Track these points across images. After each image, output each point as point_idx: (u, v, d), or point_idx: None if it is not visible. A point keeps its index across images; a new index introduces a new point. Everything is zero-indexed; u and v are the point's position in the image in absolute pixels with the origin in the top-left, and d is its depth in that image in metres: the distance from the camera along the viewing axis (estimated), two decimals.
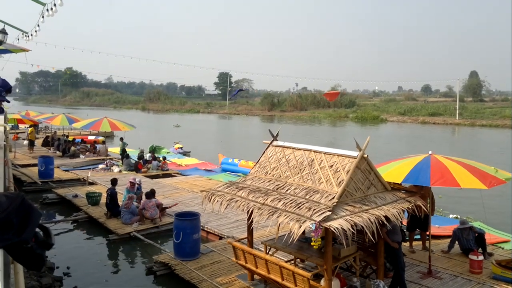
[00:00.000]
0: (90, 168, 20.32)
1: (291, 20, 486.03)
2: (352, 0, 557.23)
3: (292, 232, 6.06)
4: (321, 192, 6.65)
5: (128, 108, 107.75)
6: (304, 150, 7.62)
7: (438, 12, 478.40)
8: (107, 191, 12.91)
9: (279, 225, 7.05)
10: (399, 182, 8.00)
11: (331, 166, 6.97)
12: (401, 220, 7.15)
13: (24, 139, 32.38)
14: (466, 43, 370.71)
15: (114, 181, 13.26)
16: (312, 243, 6.54)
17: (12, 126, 33.45)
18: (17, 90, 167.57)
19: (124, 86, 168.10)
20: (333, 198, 6.36)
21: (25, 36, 15.09)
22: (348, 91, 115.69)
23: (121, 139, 23.94)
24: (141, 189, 13.94)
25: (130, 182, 13.34)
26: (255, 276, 8.16)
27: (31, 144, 26.22)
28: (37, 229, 2.29)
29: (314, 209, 6.15)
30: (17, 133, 33.37)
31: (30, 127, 27.75)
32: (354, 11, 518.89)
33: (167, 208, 12.88)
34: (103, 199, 13.79)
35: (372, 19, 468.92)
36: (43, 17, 12.45)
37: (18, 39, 16.04)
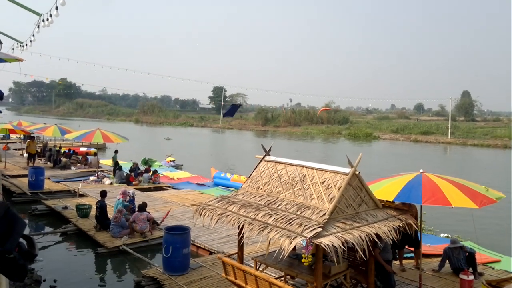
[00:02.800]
0: (81, 180, 20.15)
1: (286, 36, 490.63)
2: (347, 19, 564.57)
3: (282, 248, 6.01)
4: (313, 208, 6.63)
5: (122, 120, 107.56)
6: (296, 165, 7.62)
7: (432, 32, 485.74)
8: (96, 204, 12.79)
9: (270, 241, 7.00)
10: (391, 200, 8.01)
11: (323, 183, 6.97)
12: (392, 238, 7.13)
13: (15, 149, 32.15)
14: (459, 63, 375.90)
15: (103, 193, 13.15)
16: (302, 260, 6.49)
17: (3, 136, 33.22)
18: (10, 100, 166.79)
19: (118, 98, 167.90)
20: (324, 214, 6.34)
21: (20, 46, 15.08)
22: (342, 108, 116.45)
23: (116, 151, 23.82)
24: (134, 201, 13.84)
25: (121, 194, 13.25)
26: None
27: (31, 157, 24.35)
28: (21, 239, 2.25)
29: (305, 225, 6.11)
30: (7, 143, 33.09)
31: (29, 139, 25.96)
32: (349, 29, 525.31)
33: (158, 224, 12.76)
34: (93, 212, 13.66)
35: (367, 37, 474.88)
36: (38, 27, 12.47)
37: (13, 49, 16.04)
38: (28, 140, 25.06)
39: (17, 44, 15.14)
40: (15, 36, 13.62)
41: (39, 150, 29.49)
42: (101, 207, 12.48)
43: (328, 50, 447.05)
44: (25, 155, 26.12)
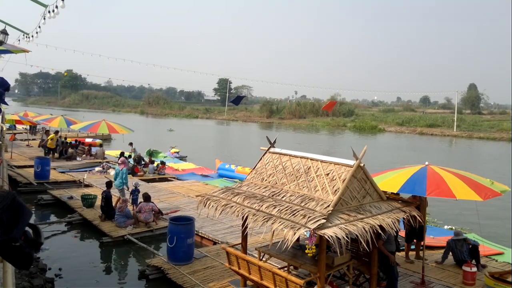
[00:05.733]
0: (86, 171, 20.28)
1: (293, 29, 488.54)
2: (353, 11, 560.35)
3: (286, 239, 6.04)
4: (317, 200, 6.65)
5: (127, 111, 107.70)
6: (300, 157, 7.63)
7: (439, 24, 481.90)
8: (102, 194, 12.89)
9: (274, 231, 7.04)
10: (395, 192, 8.02)
11: (327, 174, 6.98)
12: (396, 230, 7.16)
13: (21, 140, 32.28)
14: (465, 56, 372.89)
15: (109, 184, 13.24)
16: (306, 251, 6.52)
17: (9, 126, 33.37)
18: (16, 91, 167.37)
19: (124, 89, 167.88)
20: (328, 206, 6.36)
21: (26, 37, 15.07)
22: (347, 100, 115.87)
23: (131, 143, 23.95)
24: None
25: (121, 163, 13.48)
26: (248, 282, 8.12)
27: (50, 152, 23.73)
28: (27, 228, 2.28)
29: (309, 217, 6.14)
30: (15, 133, 33.28)
31: (53, 133, 24.92)
32: (355, 22, 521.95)
33: (162, 213, 12.84)
34: (98, 202, 13.77)
35: (373, 30, 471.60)
36: (44, 18, 12.46)
37: (19, 40, 16.02)
38: (52, 134, 24.30)
39: (23, 35, 15.13)
40: (21, 27, 13.65)
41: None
42: (106, 197, 12.58)
43: (333, 43, 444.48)
44: (40, 148, 25.78)
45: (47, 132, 25.69)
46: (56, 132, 25.15)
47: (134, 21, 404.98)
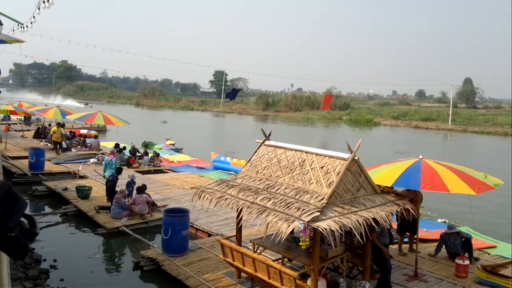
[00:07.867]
0: (81, 162, 20.21)
1: (289, 22, 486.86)
2: (351, 6, 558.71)
3: (280, 232, 6.08)
4: (311, 192, 6.68)
5: (122, 103, 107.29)
6: (295, 150, 7.65)
7: (435, 19, 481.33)
8: (109, 177, 13.26)
9: (268, 224, 7.07)
10: (389, 185, 8.06)
11: (322, 167, 7.00)
12: (389, 223, 7.20)
13: (16, 130, 32.12)
14: (461, 50, 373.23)
15: (119, 170, 13.57)
16: (300, 243, 6.55)
17: (3, 117, 33.15)
18: (10, 82, 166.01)
19: (119, 81, 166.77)
20: (322, 199, 6.40)
21: (21, 27, 14.96)
22: (343, 94, 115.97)
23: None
24: (134, 185, 13.88)
25: (111, 153, 13.58)
26: (242, 274, 8.18)
27: (57, 146, 22.58)
28: (22, 218, 2.28)
29: (303, 209, 6.17)
30: (9, 124, 33.08)
31: (56, 125, 23.70)
32: (352, 16, 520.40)
33: (157, 205, 12.88)
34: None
35: (370, 24, 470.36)
36: (39, 8, 12.40)
37: (13, 30, 15.90)
38: (54, 127, 23.40)
39: (18, 25, 15.02)
40: (16, 17, 13.54)
41: (40, 131, 29.40)
42: (113, 181, 12.93)
43: (330, 36, 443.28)
44: (42, 142, 25.53)
45: (62, 126, 24.69)
46: (63, 125, 23.94)
47: (130, 12, 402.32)
